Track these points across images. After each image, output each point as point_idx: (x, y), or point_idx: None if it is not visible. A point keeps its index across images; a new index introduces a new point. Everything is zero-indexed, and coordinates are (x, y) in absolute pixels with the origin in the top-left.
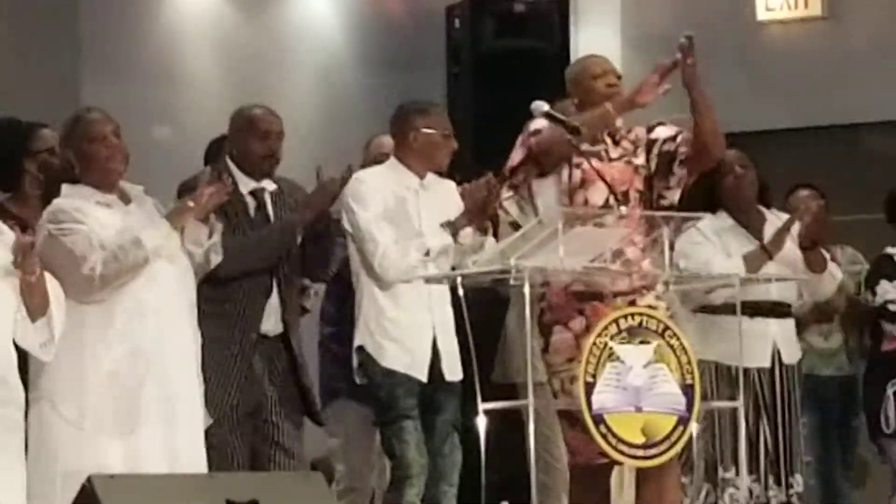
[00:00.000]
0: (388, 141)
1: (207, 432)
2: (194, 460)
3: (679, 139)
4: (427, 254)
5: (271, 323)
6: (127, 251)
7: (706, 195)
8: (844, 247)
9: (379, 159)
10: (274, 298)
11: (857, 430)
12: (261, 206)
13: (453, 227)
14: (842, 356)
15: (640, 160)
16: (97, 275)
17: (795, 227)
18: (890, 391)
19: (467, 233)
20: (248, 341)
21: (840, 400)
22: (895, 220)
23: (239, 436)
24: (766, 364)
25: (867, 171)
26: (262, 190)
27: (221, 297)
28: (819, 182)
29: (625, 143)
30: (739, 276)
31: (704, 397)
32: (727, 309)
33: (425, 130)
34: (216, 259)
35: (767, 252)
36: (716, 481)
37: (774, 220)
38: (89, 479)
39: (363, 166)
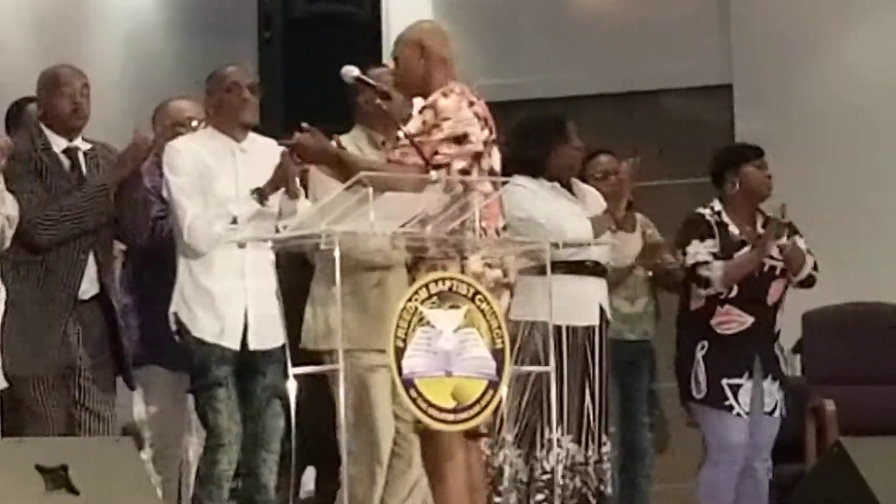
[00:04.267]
0: (185, 105)
1: (22, 395)
2: None
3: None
4: (234, 221)
5: (87, 284)
6: None
7: (530, 161)
8: (634, 212)
9: (182, 122)
10: (91, 259)
11: (658, 394)
12: (75, 164)
13: (260, 194)
14: (644, 321)
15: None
16: None
17: (594, 191)
18: (699, 354)
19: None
20: (66, 302)
21: (643, 364)
22: (719, 182)
23: (53, 399)
24: (595, 322)
25: (668, 137)
26: (76, 149)
27: (38, 259)
28: (622, 148)
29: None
30: (550, 242)
31: (535, 359)
32: (554, 269)
33: (224, 93)
34: (9, 232)
35: (612, 218)
36: (538, 444)
37: (579, 187)
38: None
39: (158, 132)
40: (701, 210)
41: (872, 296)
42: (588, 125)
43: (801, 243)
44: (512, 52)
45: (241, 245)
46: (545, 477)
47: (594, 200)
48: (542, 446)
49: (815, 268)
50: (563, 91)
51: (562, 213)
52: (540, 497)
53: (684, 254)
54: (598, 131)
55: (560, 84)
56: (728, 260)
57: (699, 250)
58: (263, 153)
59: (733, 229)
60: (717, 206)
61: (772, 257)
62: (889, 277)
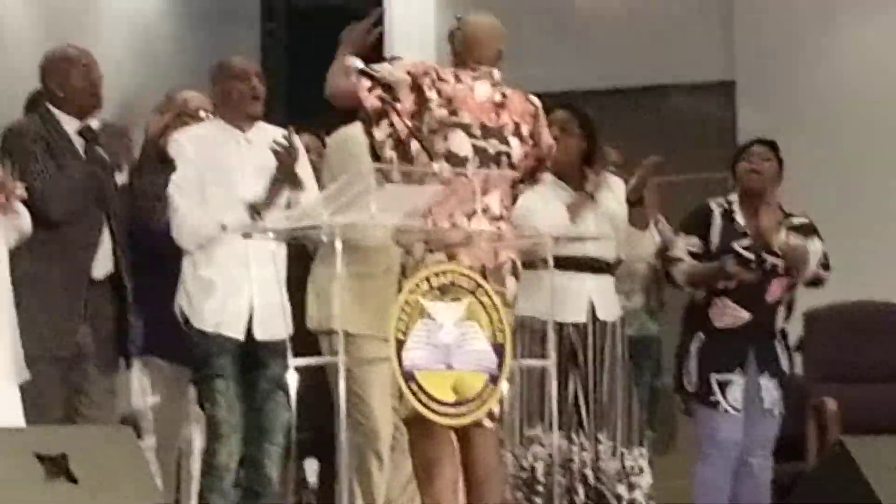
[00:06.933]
0: (193, 96)
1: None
2: (9, 412)
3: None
4: (223, 228)
5: (102, 262)
6: None
7: None
8: (647, 209)
9: (190, 113)
10: (106, 236)
11: (659, 390)
12: (89, 143)
13: (253, 210)
14: (643, 316)
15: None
16: None
17: (620, 185)
18: (693, 347)
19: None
20: (81, 281)
21: (641, 360)
22: (735, 174)
23: (55, 380)
24: (581, 319)
25: (671, 132)
26: (89, 128)
27: (53, 237)
28: (626, 144)
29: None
30: (552, 235)
31: (522, 354)
32: (544, 264)
33: (231, 83)
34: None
35: (588, 195)
36: (520, 439)
37: (605, 178)
38: None
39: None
40: (711, 200)
41: (876, 294)
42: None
43: (816, 245)
44: (515, 46)
45: (247, 236)
46: (524, 475)
47: (620, 190)
48: (522, 443)
49: (826, 267)
50: (565, 85)
51: (533, 206)
52: (519, 494)
53: None
54: (601, 127)
55: (562, 78)
56: (699, 261)
57: (679, 245)
58: (263, 139)
59: (739, 219)
60: (733, 197)
61: (773, 255)
62: (893, 276)
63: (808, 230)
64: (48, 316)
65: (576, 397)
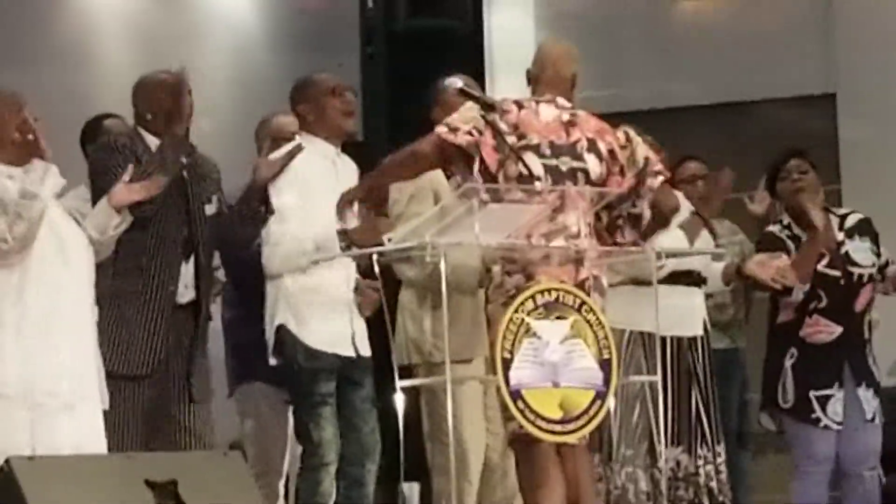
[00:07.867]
0: (288, 121)
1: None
2: (95, 438)
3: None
4: (314, 262)
5: (183, 289)
6: (26, 206)
7: None
8: (722, 220)
9: (287, 137)
10: (191, 263)
11: (749, 403)
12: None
13: (344, 238)
14: (733, 329)
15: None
16: (11, 238)
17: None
18: (787, 363)
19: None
20: (163, 303)
21: (731, 373)
22: (775, 194)
23: (135, 399)
24: (700, 332)
25: (772, 147)
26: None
27: (132, 255)
28: (727, 159)
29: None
30: (655, 251)
31: (638, 369)
32: (661, 280)
33: (326, 100)
34: (109, 249)
35: (702, 218)
36: (653, 455)
37: None
38: (7, 461)
39: (259, 148)
40: (770, 228)
41: None
42: (691, 136)
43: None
44: (615, 64)
45: (349, 257)
46: (648, 490)
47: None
48: (647, 460)
49: None
50: (666, 102)
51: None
52: None
53: None
54: (702, 142)
55: (663, 95)
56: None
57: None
58: (349, 164)
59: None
60: (786, 219)
61: (860, 265)
62: None
63: (865, 228)
64: (126, 334)
65: (697, 410)
